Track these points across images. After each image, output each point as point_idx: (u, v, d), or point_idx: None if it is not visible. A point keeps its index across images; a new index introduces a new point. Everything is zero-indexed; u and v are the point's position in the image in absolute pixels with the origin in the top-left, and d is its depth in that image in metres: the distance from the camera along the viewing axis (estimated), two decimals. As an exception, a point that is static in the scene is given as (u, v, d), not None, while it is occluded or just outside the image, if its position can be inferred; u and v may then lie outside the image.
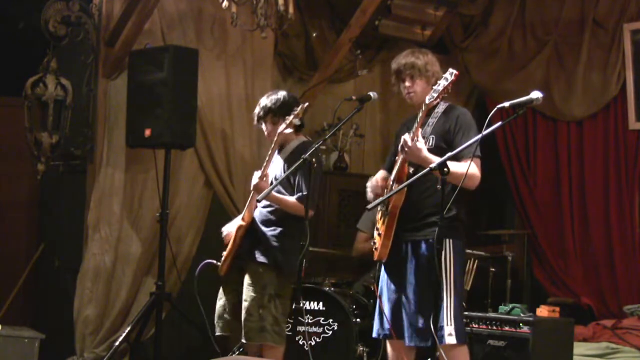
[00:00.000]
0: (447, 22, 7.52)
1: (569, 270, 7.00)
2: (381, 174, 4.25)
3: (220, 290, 4.69)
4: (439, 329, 3.77)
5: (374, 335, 4.16)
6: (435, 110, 3.99)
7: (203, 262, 4.64)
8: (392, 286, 4.03)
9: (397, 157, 4.02)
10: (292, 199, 4.44)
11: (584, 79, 6.92)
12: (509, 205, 7.70)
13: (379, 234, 4.00)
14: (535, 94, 3.34)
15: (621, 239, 6.76)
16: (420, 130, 3.84)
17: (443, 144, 3.92)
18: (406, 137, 3.80)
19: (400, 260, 3.99)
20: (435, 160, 3.62)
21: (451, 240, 3.91)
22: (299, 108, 4.29)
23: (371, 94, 4.13)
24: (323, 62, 6.84)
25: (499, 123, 3.60)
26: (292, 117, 4.30)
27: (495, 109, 3.33)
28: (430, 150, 3.87)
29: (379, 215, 4.12)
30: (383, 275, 4.12)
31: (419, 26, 7.54)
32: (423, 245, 3.94)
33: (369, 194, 4.16)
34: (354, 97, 4.21)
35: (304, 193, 4.27)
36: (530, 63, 7.18)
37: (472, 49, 7.46)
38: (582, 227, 6.99)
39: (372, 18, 6.80)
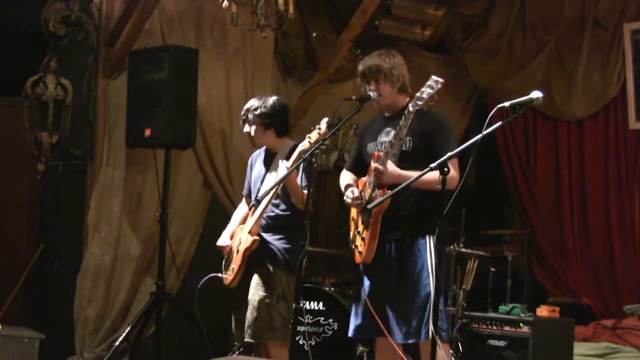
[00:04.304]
0: (447, 22, 7.53)
1: (569, 270, 7.00)
2: (350, 176, 4.28)
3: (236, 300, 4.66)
4: (425, 324, 3.79)
5: (350, 334, 4.14)
6: (407, 112, 3.86)
7: (208, 276, 4.59)
8: (378, 286, 4.03)
9: (371, 160, 3.99)
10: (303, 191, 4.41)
11: (584, 79, 6.92)
12: (509, 205, 7.70)
13: (362, 238, 3.99)
14: (536, 94, 3.33)
15: (621, 239, 6.77)
16: (398, 143, 3.83)
17: (420, 145, 3.92)
18: (377, 166, 3.81)
19: (385, 260, 3.99)
20: (410, 175, 3.68)
21: (431, 237, 3.90)
22: (323, 126, 4.23)
23: (371, 93, 4.11)
24: (323, 62, 6.83)
25: (499, 123, 3.60)
26: (316, 136, 4.23)
27: (495, 109, 3.32)
28: (407, 151, 3.90)
29: (354, 213, 4.11)
30: (366, 276, 4.10)
31: (419, 26, 7.55)
32: (406, 242, 3.95)
33: (353, 202, 4.10)
34: (354, 97, 4.19)
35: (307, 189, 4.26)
36: (530, 63, 7.18)
37: (472, 49, 7.46)
38: (582, 227, 6.99)
39: (372, 18, 6.80)
